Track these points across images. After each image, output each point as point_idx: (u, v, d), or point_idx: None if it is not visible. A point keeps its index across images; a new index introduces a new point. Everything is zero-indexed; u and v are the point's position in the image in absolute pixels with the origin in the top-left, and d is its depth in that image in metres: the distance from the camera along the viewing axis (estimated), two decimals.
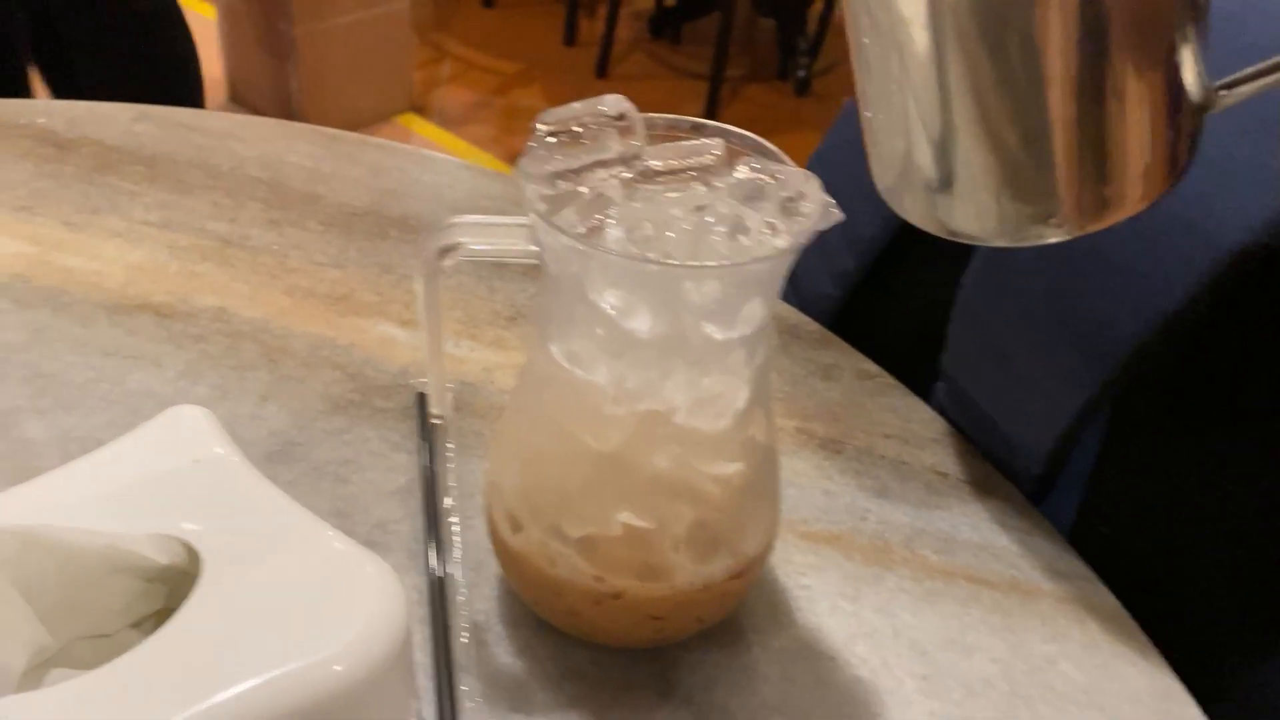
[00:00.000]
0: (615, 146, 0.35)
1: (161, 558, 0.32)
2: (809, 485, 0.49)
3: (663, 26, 2.80)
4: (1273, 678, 0.43)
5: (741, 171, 0.35)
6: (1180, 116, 0.28)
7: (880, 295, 0.58)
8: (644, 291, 0.33)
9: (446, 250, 0.35)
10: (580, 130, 0.34)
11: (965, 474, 0.51)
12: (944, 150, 0.29)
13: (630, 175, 0.35)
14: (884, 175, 0.31)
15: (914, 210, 0.31)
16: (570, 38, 2.71)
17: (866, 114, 0.31)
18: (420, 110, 2.37)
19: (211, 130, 0.69)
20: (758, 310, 0.34)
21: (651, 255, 0.32)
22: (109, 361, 0.51)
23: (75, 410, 0.48)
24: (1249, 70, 0.28)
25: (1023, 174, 0.28)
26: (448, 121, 2.37)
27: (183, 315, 0.54)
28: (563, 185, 0.35)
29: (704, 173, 0.35)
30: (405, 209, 0.64)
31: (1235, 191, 0.37)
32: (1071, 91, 0.26)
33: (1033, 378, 0.45)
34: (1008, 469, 0.50)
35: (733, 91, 2.53)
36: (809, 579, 0.45)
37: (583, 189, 0.34)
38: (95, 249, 0.58)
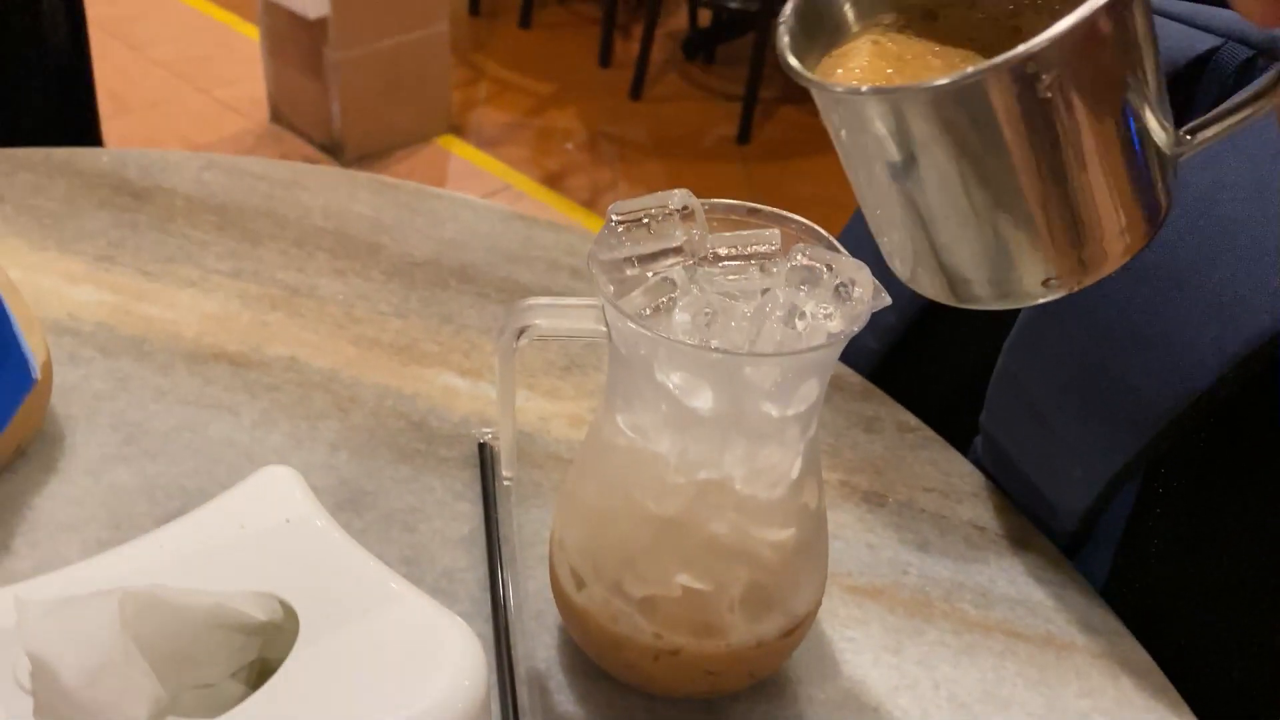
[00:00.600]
0: (680, 235, 0.37)
1: (261, 614, 0.35)
2: (853, 538, 0.51)
3: (696, 48, 2.83)
4: None
5: (798, 258, 0.37)
6: (1151, 170, 0.29)
7: (921, 349, 0.60)
8: (707, 374, 0.35)
9: (522, 331, 0.38)
10: (647, 221, 0.37)
11: (1002, 529, 0.53)
12: (934, 243, 0.31)
13: (694, 261, 0.37)
14: (893, 260, 0.33)
15: (928, 288, 0.33)
16: (605, 59, 2.74)
17: (865, 209, 0.33)
18: (458, 131, 2.41)
19: (277, 179, 0.72)
20: (813, 389, 0.37)
21: (715, 343, 0.35)
22: (189, 410, 0.54)
23: (160, 458, 0.51)
24: (1213, 113, 0.29)
25: (1011, 253, 0.30)
26: (484, 142, 2.41)
27: (256, 365, 0.57)
28: (630, 271, 0.37)
29: (762, 259, 0.38)
30: (463, 259, 0.67)
31: (1264, 277, 0.39)
32: (1041, 176, 0.28)
33: (1069, 442, 0.47)
34: (1044, 525, 0.52)
35: (766, 112, 2.55)
36: (853, 631, 0.47)
37: (649, 274, 0.37)
38: (171, 298, 0.61)
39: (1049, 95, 0.26)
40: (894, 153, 0.29)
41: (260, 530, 0.38)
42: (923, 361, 0.61)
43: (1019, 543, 0.52)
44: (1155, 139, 0.29)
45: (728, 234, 0.38)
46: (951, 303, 0.32)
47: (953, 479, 0.55)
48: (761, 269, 0.38)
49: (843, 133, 0.31)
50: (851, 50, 0.32)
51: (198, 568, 0.36)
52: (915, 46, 0.32)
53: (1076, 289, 0.30)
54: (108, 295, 0.60)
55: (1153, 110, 0.28)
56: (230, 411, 0.54)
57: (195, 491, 0.50)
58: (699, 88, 2.74)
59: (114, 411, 0.53)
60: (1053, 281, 0.30)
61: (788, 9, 0.31)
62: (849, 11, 0.33)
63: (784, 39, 0.30)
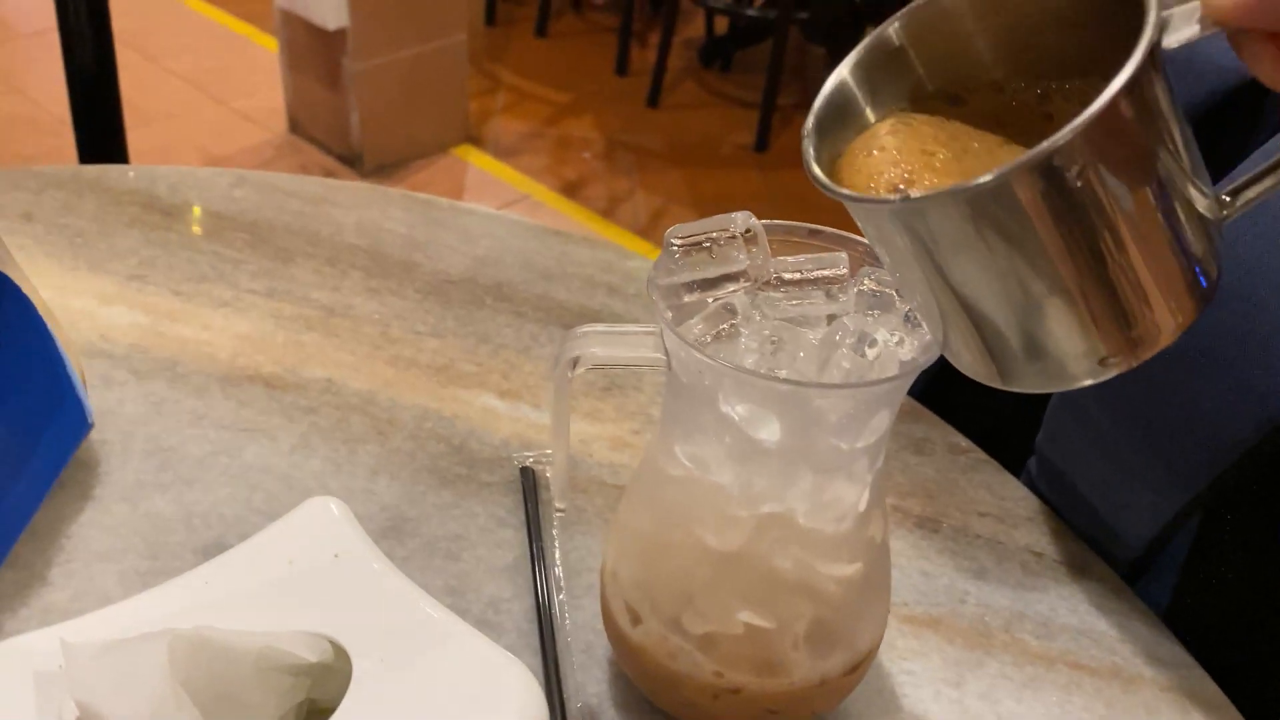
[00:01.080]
0: (743, 259, 0.36)
1: (311, 655, 0.34)
2: (907, 566, 0.50)
3: (713, 56, 2.82)
4: None
5: (865, 283, 0.36)
6: (1194, 239, 0.28)
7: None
8: (773, 405, 0.34)
9: (576, 361, 0.37)
10: (708, 244, 0.36)
11: (1061, 554, 0.51)
12: (978, 333, 0.30)
13: (757, 286, 0.36)
14: (940, 345, 0.32)
15: (974, 372, 0.32)
16: (622, 68, 2.74)
17: (904, 296, 0.32)
18: (476, 141, 2.40)
19: (308, 195, 0.71)
20: (883, 421, 0.35)
21: (783, 373, 0.34)
22: (225, 434, 0.53)
23: (196, 484, 0.50)
24: (1253, 173, 0.28)
25: (1059, 340, 0.28)
26: (502, 152, 2.41)
27: (292, 387, 0.56)
28: (690, 297, 0.36)
29: (828, 284, 0.36)
30: (498, 276, 0.66)
31: None
32: (1080, 264, 0.27)
33: (1136, 469, 0.46)
34: (1104, 551, 0.51)
35: (784, 120, 2.54)
36: (912, 664, 0.46)
37: (710, 299, 0.36)
38: (205, 319, 0.60)
39: (1079, 184, 0.26)
40: (924, 253, 0.28)
41: (308, 567, 0.36)
42: (971, 381, 0.59)
43: (1079, 570, 0.51)
44: (1195, 208, 0.28)
45: (791, 257, 0.37)
46: (1000, 387, 0.31)
47: (1007, 503, 0.54)
48: (827, 294, 0.36)
49: (869, 230, 0.30)
50: (877, 131, 0.31)
51: (245, 606, 0.35)
52: (948, 128, 0.31)
53: (1132, 367, 0.29)
54: (140, 316, 0.60)
55: (1188, 179, 0.27)
56: (267, 436, 0.53)
57: (233, 519, 0.48)
58: (716, 95, 2.73)
59: (149, 437, 0.52)
60: (1109, 361, 0.29)
61: (809, 123, 0.30)
62: (868, 110, 0.32)
63: (809, 152, 0.30)
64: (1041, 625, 0.48)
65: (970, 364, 0.31)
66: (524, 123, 2.53)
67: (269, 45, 2.47)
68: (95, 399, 0.53)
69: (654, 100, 2.61)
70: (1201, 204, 0.28)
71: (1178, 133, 0.27)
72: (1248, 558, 0.47)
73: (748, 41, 2.80)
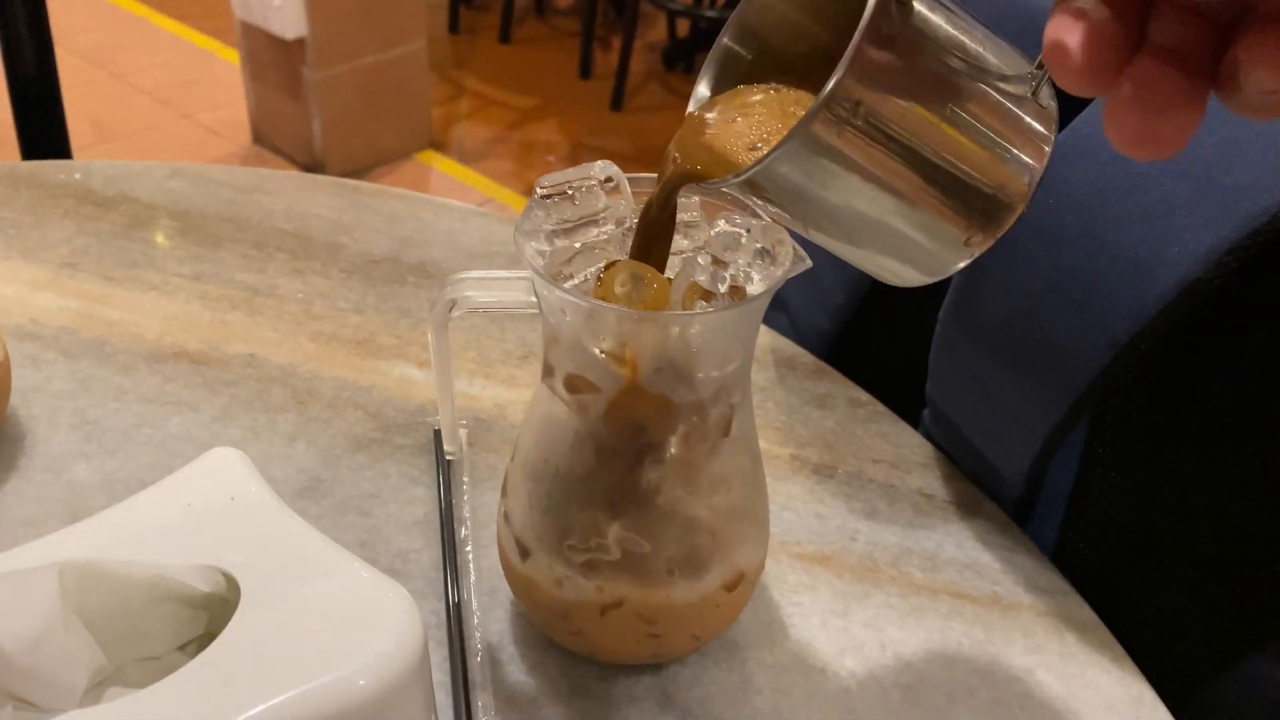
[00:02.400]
0: (604, 204, 0.38)
1: (204, 586, 0.36)
2: (802, 509, 0.52)
3: (676, 58, 2.86)
4: (1238, 683, 0.45)
5: (720, 224, 0.38)
6: (1008, 119, 0.30)
7: (870, 328, 0.61)
8: (631, 337, 0.36)
9: (454, 303, 0.39)
10: (572, 192, 0.38)
11: (951, 495, 0.54)
12: (876, 256, 0.33)
13: (618, 230, 0.38)
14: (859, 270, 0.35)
15: (878, 275, 0.35)
16: (585, 71, 2.76)
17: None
18: (439, 147, 2.43)
19: (240, 185, 0.73)
20: (737, 350, 0.38)
21: (634, 309, 0.36)
22: (149, 407, 0.55)
23: (119, 454, 0.52)
24: None
25: (931, 238, 0.32)
26: (466, 157, 2.43)
27: (216, 362, 0.58)
28: (558, 242, 0.38)
29: (686, 226, 0.39)
30: (422, 256, 0.68)
31: (1176, 232, 0.40)
32: (910, 177, 0.30)
33: (1006, 402, 0.48)
34: (991, 490, 0.53)
35: None
36: (801, 597, 0.48)
37: (575, 244, 0.38)
38: (134, 302, 0.62)
39: (869, 118, 0.28)
40: (798, 199, 0.31)
41: (205, 508, 0.38)
42: (873, 339, 0.62)
43: (967, 509, 0.53)
44: (1003, 93, 0.30)
45: None
46: (897, 284, 0.34)
47: (902, 450, 0.56)
48: (685, 235, 0.39)
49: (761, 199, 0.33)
50: (748, 98, 0.35)
51: (144, 544, 0.37)
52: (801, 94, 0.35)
53: (995, 239, 0.32)
54: (71, 301, 0.61)
55: (988, 68, 0.30)
56: (190, 408, 0.55)
57: (153, 484, 0.50)
58: (679, 97, 2.76)
59: (75, 411, 0.54)
60: (973, 240, 0.32)
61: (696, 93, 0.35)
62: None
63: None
64: (928, 560, 0.50)
65: (890, 276, 0.34)
66: (488, 128, 2.56)
67: (231, 59, 2.49)
68: (23, 379, 0.55)
69: (617, 103, 2.64)
70: (1010, 88, 0.30)
71: (963, 37, 0.29)
72: (1122, 491, 0.49)
73: (709, 43, 2.83)
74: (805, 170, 0.30)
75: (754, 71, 0.36)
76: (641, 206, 0.39)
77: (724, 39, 0.36)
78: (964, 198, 0.31)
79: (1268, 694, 0.44)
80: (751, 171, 0.30)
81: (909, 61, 0.29)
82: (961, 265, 0.33)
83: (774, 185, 0.31)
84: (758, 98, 0.36)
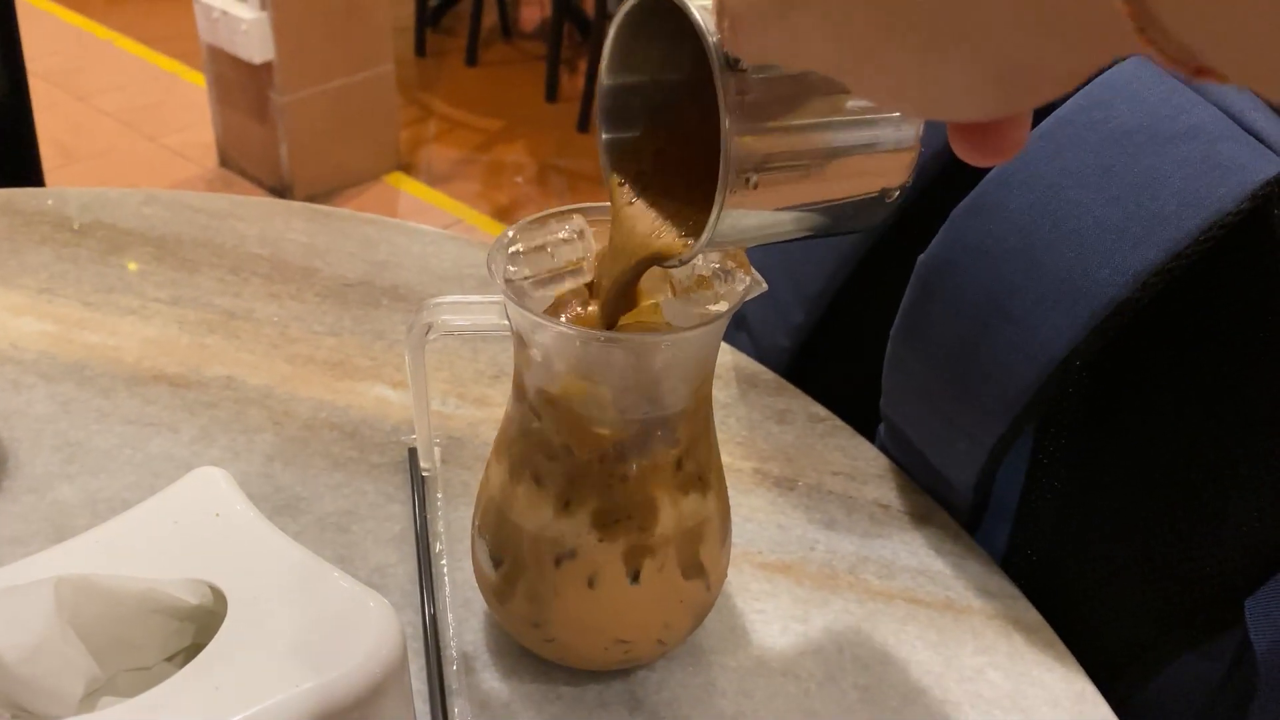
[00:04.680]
0: (576, 256, 0.40)
1: (192, 599, 0.38)
2: (765, 520, 0.55)
3: None
4: (1173, 678, 0.48)
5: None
6: (879, 121, 0.33)
7: (829, 346, 0.64)
8: (597, 357, 0.39)
9: (429, 326, 0.41)
10: (550, 250, 0.40)
11: (905, 506, 0.56)
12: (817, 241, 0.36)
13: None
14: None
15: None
16: (552, 94, 2.79)
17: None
18: (408, 169, 2.44)
19: (215, 211, 0.75)
20: (701, 367, 0.40)
21: (601, 331, 0.38)
22: (130, 429, 0.56)
23: (101, 474, 0.53)
24: None
25: (856, 211, 0.35)
26: (435, 179, 2.45)
27: (195, 385, 0.60)
28: (536, 294, 0.40)
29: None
30: (395, 279, 0.70)
31: (1107, 254, 0.43)
32: (833, 174, 0.33)
33: (953, 416, 0.51)
34: (943, 500, 0.56)
35: None
36: (763, 604, 0.50)
37: (552, 294, 0.40)
38: (112, 326, 0.63)
39: (769, 159, 0.31)
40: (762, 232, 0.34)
41: (191, 525, 0.40)
42: (832, 358, 0.65)
43: (921, 518, 0.56)
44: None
45: None
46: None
47: (859, 463, 0.59)
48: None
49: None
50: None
51: (134, 559, 0.39)
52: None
53: (910, 181, 0.34)
54: (49, 325, 0.63)
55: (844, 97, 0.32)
56: (170, 429, 0.57)
57: (136, 504, 0.52)
58: None
59: (56, 433, 0.55)
60: (890, 193, 0.34)
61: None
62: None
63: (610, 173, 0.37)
64: (884, 567, 0.53)
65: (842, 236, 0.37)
66: (456, 150, 2.57)
67: (198, 81, 2.49)
68: (3, 401, 0.56)
69: (584, 124, 2.67)
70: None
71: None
72: (1066, 497, 0.52)
73: None
74: (738, 228, 0.32)
75: (648, 109, 0.37)
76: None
77: (606, 96, 0.37)
78: (869, 168, 0.34)
79: (1200, 688, 0.47)
80: (696, 251, 0.33)
81: (770, 92, 0.31)
82: (893, 209, 0.35)
83: (721, 243, 0.33)
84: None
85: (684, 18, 0.30)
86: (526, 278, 0.40)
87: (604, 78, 0.36)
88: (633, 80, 0.36)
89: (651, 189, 0.37)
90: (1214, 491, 0.46)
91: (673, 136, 0.37)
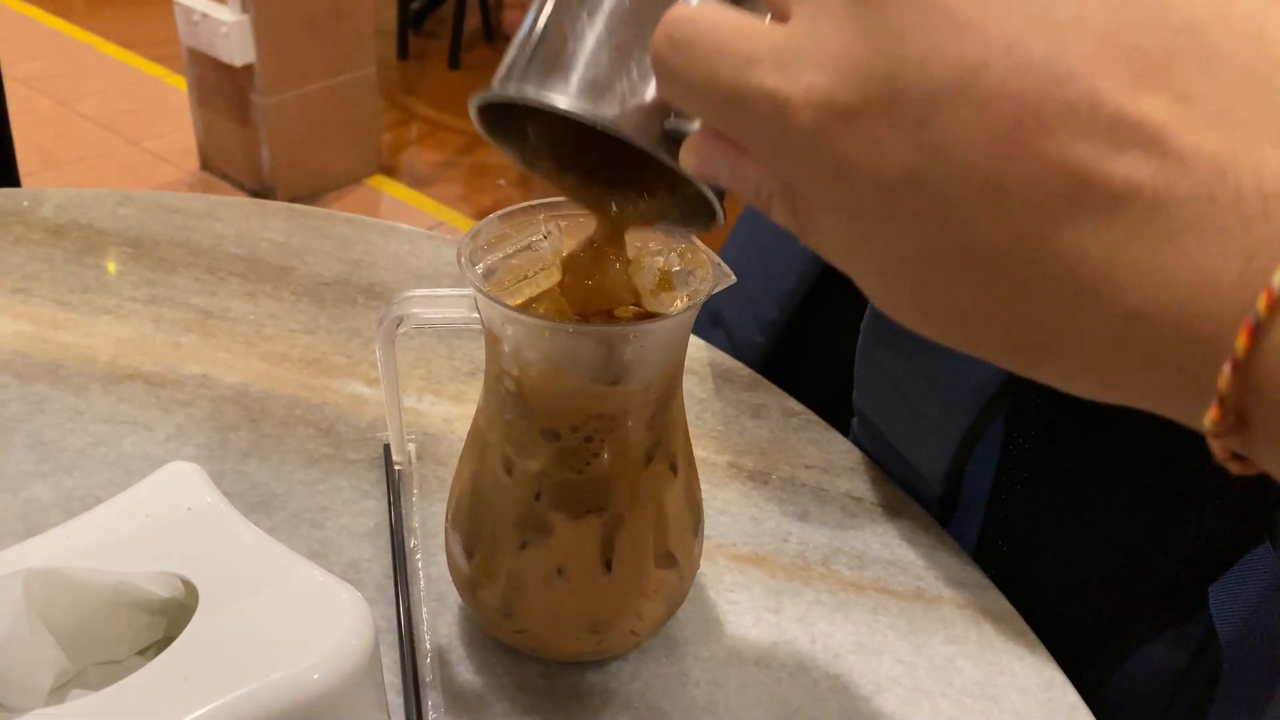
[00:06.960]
0: (546, 257, 0.41)
1: (163, 592, 0.38)
2: (738, 513, 0.55)
3: None
4: (1139, 665, 0.49)
5: (651, 244, 0.41)
6: None
7: (803, 341, 0.64)
8: (565, 349, 0.39)
9: (400, 320, 0.41)
10: (515, 256, 0.40)
11: (878, 498, 0.57)
12: None
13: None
14: None
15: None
16: None
17: None
18: (390, 172, 2.44)
19: (191, 211, 0.75)
20: (671, 357, 0.40)
21: (570, 322, 0.39)
22: (104, 427, 0.56)
23: (75, 472, 0.53)
24: None
25: None
26: (417, 181, 2.45)
27: (170, 383, 0.60)
28: (497, 259, 0.41)
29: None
30: (371, 277, 0.70)
31: None
32: None
33: (922, 409, 0.51)
34: (915, 492, 0.57)
35: None
36: (736, 595, 0.51)
37: (515, 262, 0.41)
38: (87, 326, 0.63)
39: None
40: None
41: (163, 519, 0.40)
42: (805, 353, 0.65)
43: (893, 510, 0.56)
44: None
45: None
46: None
47: (832, 456, 0.59)
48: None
49: None
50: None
51: (105, 553, 0.39)
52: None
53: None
54: (24, 325, 0.63)
55: None
56: (145, 427, 0.57)
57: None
58: None
59: (30, 432, 0.55)
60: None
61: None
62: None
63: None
64: (856, 558, 0.53)
65: None
66: (438, 152, 2.57)
67: (179, 85, 2.49)
68: None
69: None
70: None
71: None
72: (1036, 488, 0.53)
73: None
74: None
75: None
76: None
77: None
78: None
79: (1164, 674, 0.48)
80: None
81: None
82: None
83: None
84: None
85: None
86: (494, 271, 0.40)
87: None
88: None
89: (572, 170, 0.37)
90: (1180, 482, 0.46)
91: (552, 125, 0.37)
